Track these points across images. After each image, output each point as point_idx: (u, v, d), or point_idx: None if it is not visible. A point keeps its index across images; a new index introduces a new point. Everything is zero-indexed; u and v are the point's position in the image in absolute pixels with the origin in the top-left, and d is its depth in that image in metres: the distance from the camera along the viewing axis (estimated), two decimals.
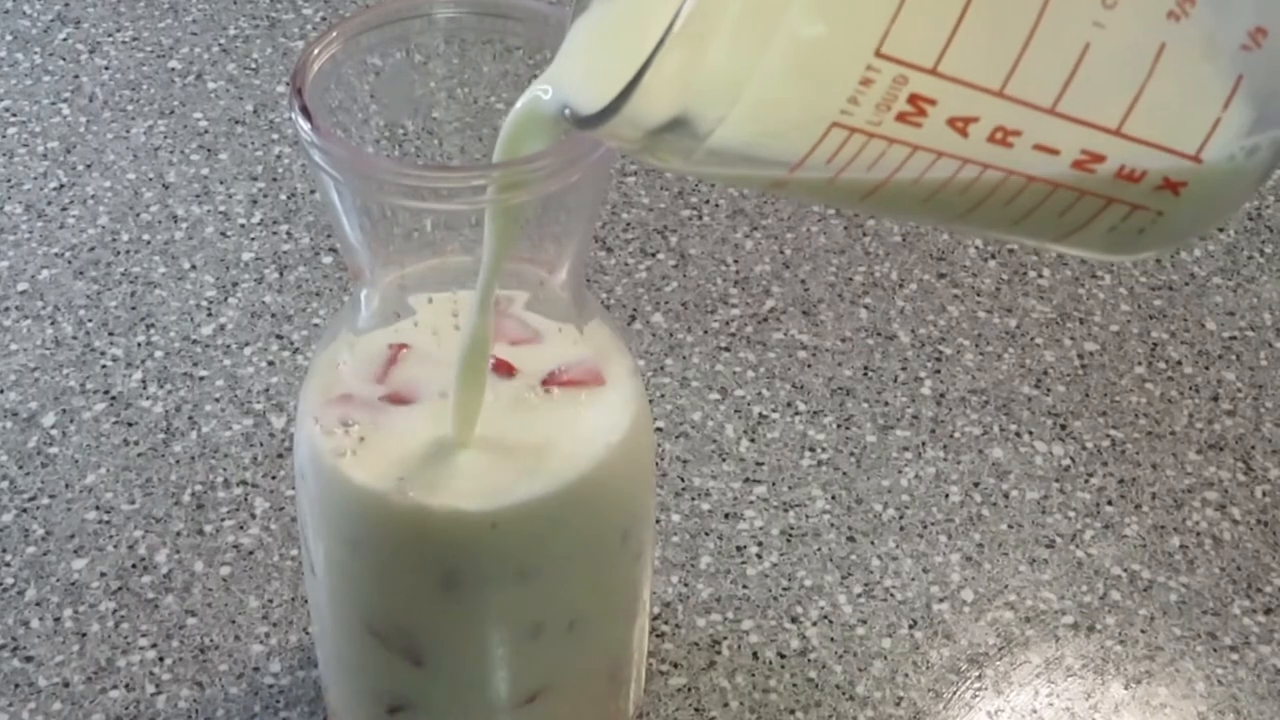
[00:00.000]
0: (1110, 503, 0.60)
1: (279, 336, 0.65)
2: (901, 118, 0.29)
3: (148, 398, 0.62)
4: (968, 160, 0.30)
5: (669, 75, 0.28)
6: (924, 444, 0.61)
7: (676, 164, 0.31)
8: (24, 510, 0.58)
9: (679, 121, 0.29)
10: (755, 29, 0.27)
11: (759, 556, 0.57)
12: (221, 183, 0.72)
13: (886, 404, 0.63)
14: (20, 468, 0.59)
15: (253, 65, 0.79)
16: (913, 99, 0.29)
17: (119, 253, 0.69)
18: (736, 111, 0.29)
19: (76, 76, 0.78)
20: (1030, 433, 0.62)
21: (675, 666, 0.54)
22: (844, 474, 0.60)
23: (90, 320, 0.66)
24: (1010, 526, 0.59)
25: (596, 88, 0.30)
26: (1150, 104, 0.30)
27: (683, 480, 0.60)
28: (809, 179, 0.31)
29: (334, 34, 0.40)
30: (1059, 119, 0.30)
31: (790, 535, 0.58)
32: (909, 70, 0.28)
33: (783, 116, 0.29)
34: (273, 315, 0.66)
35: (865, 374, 0.64)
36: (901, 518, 0.59)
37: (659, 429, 0.61)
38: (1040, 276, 0.69)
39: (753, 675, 0.53)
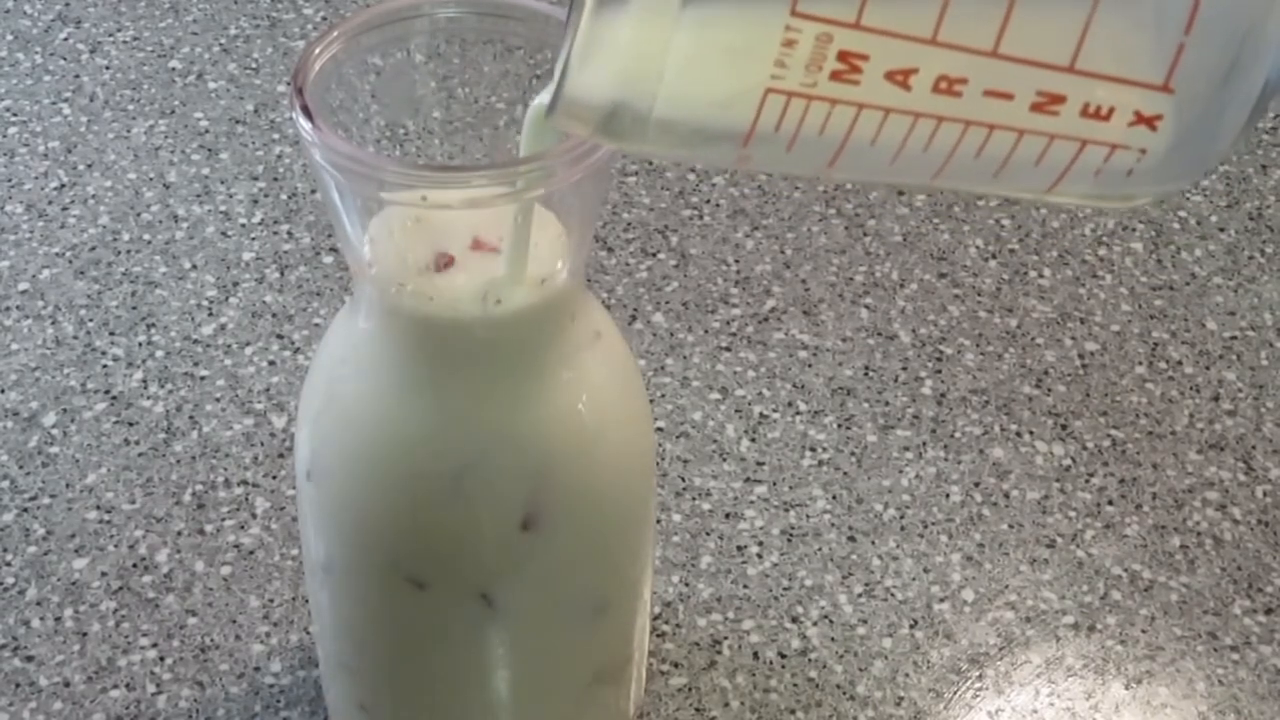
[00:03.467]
0: (1111, 503, 0.60)
1: (280, 336, 0.65)
2: (836, 76, 0.28)
3: (148, 397, 0.62)
4: (918, 114, 0.29)
5: (591, 60, 0.28)
6: (925, 444, 0.61)
7: (636, 146, 0.31)
8: (25, 510, 0.58)
9: (619, 104, 0.29)
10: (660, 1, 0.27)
11: (759, 556, 0.57)
12: (222, 182, 0.72)
13: (887, 404, 0.63)
14: (21, 467, 0.59)
15: (253, 65, 0.79)
16: (843, 56, 0.28)
17: (120, 252, 0.69)
18: (666, 87, 0.29)
19: (77, 76, 0.78)
20: (1031, 433, 0.62)
21: (676, 666, 0.54)
22: (844, 474, 0.60)
23: (91, 320, 0.66)
24: (1011, 526, 0.59)
25: (554, 84, 0.31)
26: (1101, 35, 0.28)
27: (683, 480, 0.60)
28: (768, 152, 0.30)
29: (334, 34, 0.40)
30: (1004, 61, 0.29)
31: (791, 535, 0.58)
32: (831, 27, 0.28)
33: (714, 86, 0.29)
34: (273, 315, 0.66)
35: (866, 374, 0.64)
36: (902, 518, 0.59)
37: (659, 429, 0.61)
38: (1041, 276, 0.69)
39: (753, 675, 0.53)
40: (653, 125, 0.30)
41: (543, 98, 0.34)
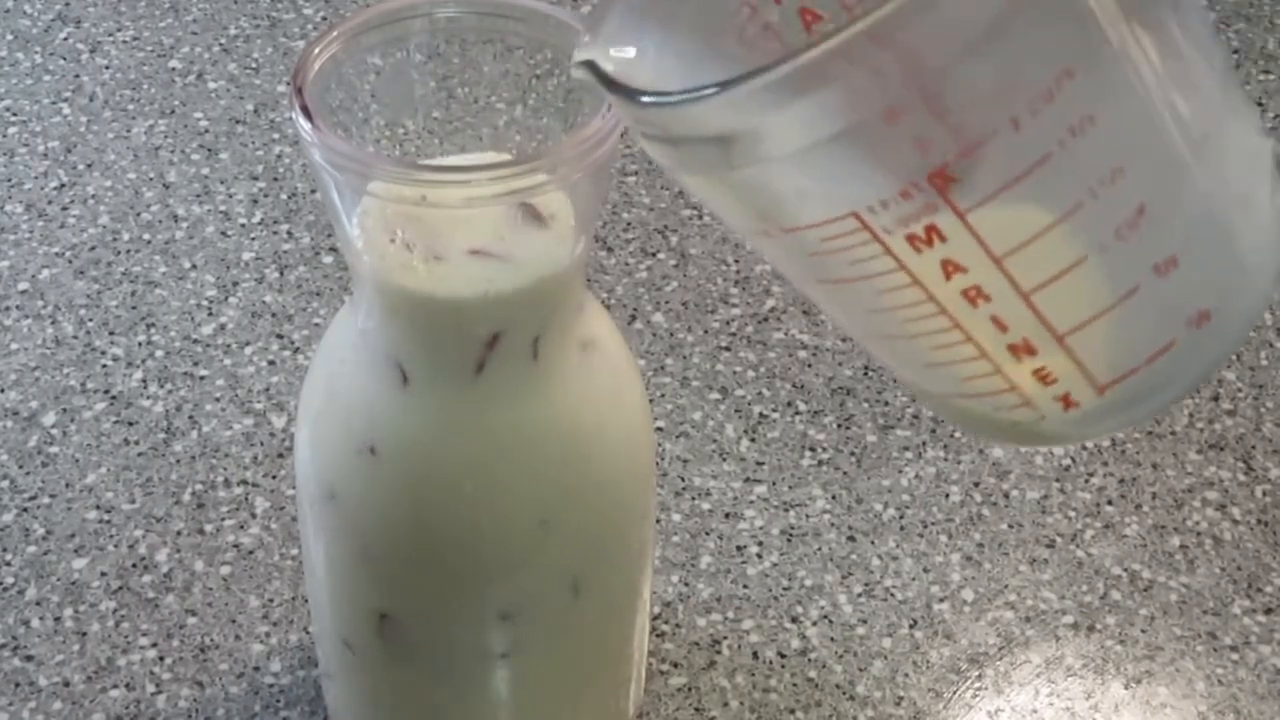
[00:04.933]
0: (1110, 502, 0.60)
1: (279, 336, 0.65)
2: (910, 239, 0.30)
3: (148, 397, 0.62)
4: (934, 299, 0.31)
5: (761, 100, 0.28)
6: (924, 444, 0.61)
7: (686, 172, 0.32)
8: (24, 510, 0.58)
9: (726, 140, 0.29)
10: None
11: (759, 556, 0.57)
12: (222, 182, 0.72)
13: (887, 404, 0.63)
14: (20, 467, 0.59)
15: (253, 65, 0.79)
16: (929, 229, 0.30)
17: (119, 252, 0.69)
18: (782, 164, 0.30)
19: (77, 76, 0.78)
20: None
21: (675, 666, 0.54)
22: (844, 474, 0.60)
23: (91, 320, 0.66)
24: (1010, 526, 0.59)
25: (679, 76, 0.31)
26: (1097, 330, 0.32)
27: (683, 480, 0.60)
28: (788, 244, 0.32)
29: (334, 33, 0.40)
30: (1024, 304, 0.31)
31: (790, 535, 0.58)
32: (944, 204, 0.29)
33: (818, 184, 0.30)
34: (273, 315, 0.66)
35: (865, 374, 0.64)
36: (902, 517, 0.59)
37: (659, 429, 0.61)
38: None
39: (753, 675, 0.53)
40: (730, 175, 0.30)
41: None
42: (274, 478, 0.59)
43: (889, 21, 0.27)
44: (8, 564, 0.56)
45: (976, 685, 0.54)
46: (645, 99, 0.30)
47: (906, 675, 0.54)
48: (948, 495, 0.60)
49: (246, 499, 0.58)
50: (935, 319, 0.32)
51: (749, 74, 0.28)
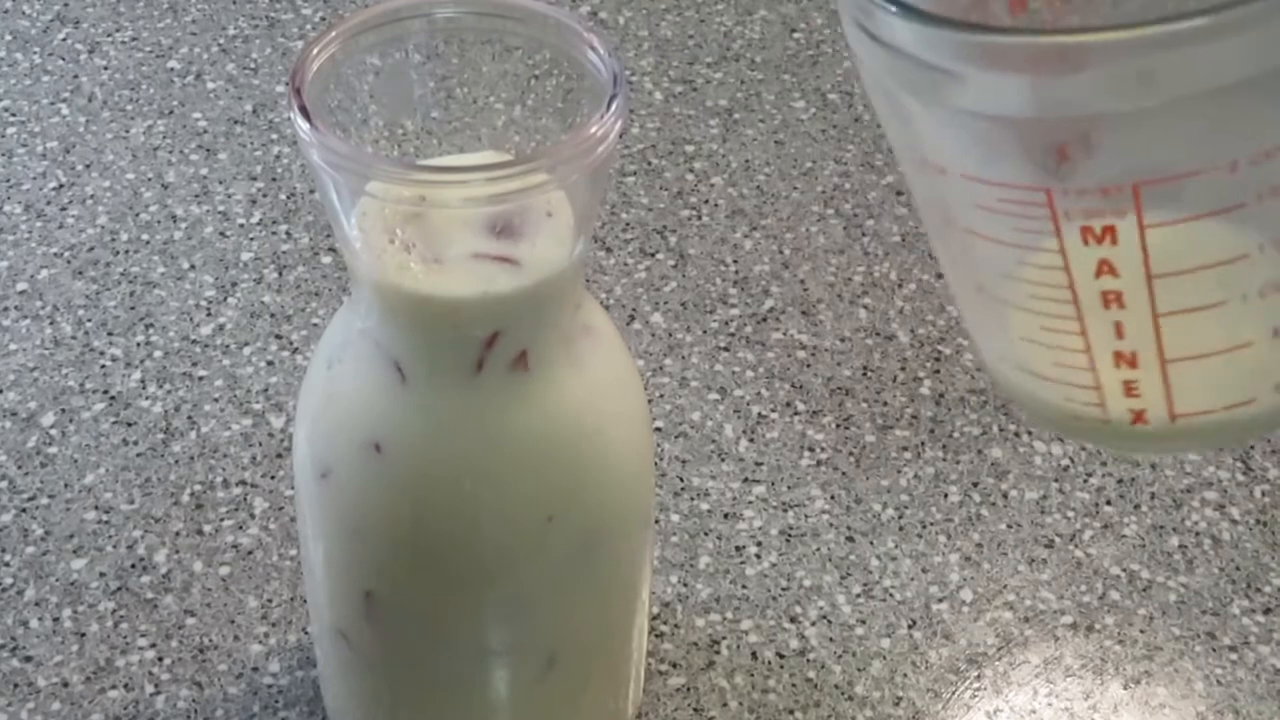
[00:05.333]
0: (1109, 502, 0.60)
1: (278, 336, 0.65)
2: (1084, 230, 0.31)
3: (147, 398, 0.62)
4: (1073, 288, 0.32)
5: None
6: (923, 444, 0.61)
7: (904, 88, 0.32)
8: (23, 510, 0.58)
9: (958, 76, 0.30)
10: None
11: (758, 556, 0.57)
12: (221, 183, 0.72)
13: (885, 404, 0.63)
14: (20, 468, 0.59)
15: (252, 65, 0.79)
16: (1107, 229, 0.31)
17: (118, 253, 0.69)
18: (1004, 121, 0.30)
19: (76, 76, 0.78)
20: (1029, 433, 0.62)
21: (674, 666, 0.54)
22: (843, 474, 0.60)
23: (89, 320, 0.66)
24: (1009, 526, 0.59)
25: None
26: (1198, 366, 0.33)
27: (682, 480, 0.60)
28: (958, 188, 0.33)
29: (333, 34, 0.40)
30: (1151, 322, 0.32)
31: (789, 535, 0.58)
32: (1133, 212, 0.30)
33: (1027, 150, 0.31)
34: (272, 315, 0.66)
35: (864, 374, 0.64)
36: (900, 518, 0.59)
37: (657, 429, 0.61)
38: None
39: (752, 675, 0.53)
40: (941, 106, 0.31)
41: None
42: (273, 478, 0.59)
43: (1170, 38, 0.28)
44: (6, 564, 0.56)
45: (975, 685, 0.54)
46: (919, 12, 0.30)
47: (905, 675, 0.54)
48: (946, 495, 0.60)
49: (245, 499, 0.58)
50: (1063, 305, 0.33)
51: (1017, 30, 0.29)
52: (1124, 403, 0.34)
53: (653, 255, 0.69)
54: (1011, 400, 0.38)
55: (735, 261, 0.69)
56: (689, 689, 0.53)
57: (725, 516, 0.58)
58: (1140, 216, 0.30)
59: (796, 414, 0.62)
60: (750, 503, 0.59)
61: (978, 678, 0.54)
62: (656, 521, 0.58)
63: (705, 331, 0.66)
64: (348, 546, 0.44)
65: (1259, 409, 0.34)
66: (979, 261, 0.35)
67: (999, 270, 0.34)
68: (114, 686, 0.53)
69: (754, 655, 0.54)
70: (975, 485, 0.60)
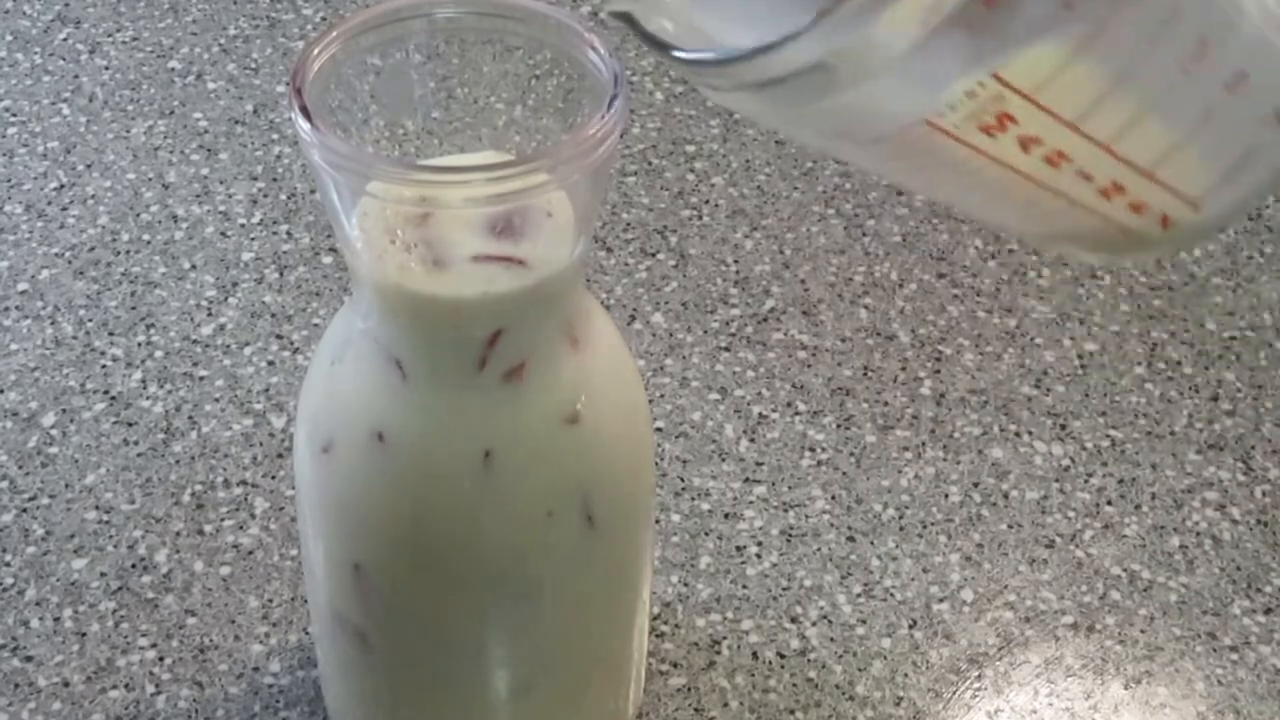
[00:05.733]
0: (1110, 503, 0.60)
1: (279, 336, 0.65)
2: (984, 129, 0.31)
3: (148, 398, 0.62)
4: (1017, 171, 0.32)
5: (836, 28, 0.29)
6: (924, 444, 0.61)
7: (757, 102, 0.32)
8: (24, 510, 0.58)
9: (818, 68, 0.30)
10: (917, 17, 0.29)
11: (759, 556, 0.57)
12: (221, 183, 0.72)
13: (886, 404, 0.63)
14: (20, 468, 0.59)
15: (253, 65, 0.79)
16: (1000, 116, 0.31)
17: (119, 253, 0.69)
18: (870, 81, 0.30)
19: (76, 76, 0.78)
20: (1030, 433, 0.62)
21: (675, 666, 0.54)
22: (844, 474, 0.60)
23: (90, 320, 0.66)
24: (1010, 526, 0.59)
25: (751, 32, 0.31)
26: (1183, 157, 0.33)
27: (682, 480, 0.60)
28: (869, 150, 0.33)
29: (334, 34, 0.40)
30: (1108, 154, 0.32)
31: (790, 535, 0.58)
32: (1011, 93, 0.31)
33: (890, 98, 0.31)
34: (273, 315, 0.66)
35: (865, 374, 0.64)
36: (901, 518, 0.59)
37: (658, 429, 0.61)
38: (1040, 276, 0.69)
39: (752, 675, 0.53)
40: (814, 105, 0.31)
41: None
42: (273, 478, 0.59)
43: None
44: (7, 564, 0.56)
45: (976, 685, 0.54)
46: (743, 53, 0.30)
47: (906, 675, 0.54)
48: (947, 495, 0.60)
49: (246, 499, 0.58)
50: (1023, 184, 0.33)
51: None
52: (1140, 220, 0.34)
53: (653, 255, 0.69)
54: (1061, 253, 0.40)
55: (736, 261, 0.69)
56: (689, 689, 0.53)
57: (726, 516, 0.58)
58: (1019, 91, 0.31)
59: (797, 414, 0.62)
60: (751, 503, 0.59)
61: (978, 678, 0.54)
62: (657, 521, 0.58)
63: (706, 331, 0.66)
64: (341, 518, 0.43)
65: (1267, 145, 0.34)
66: (931, 182, 0.36)
67: (951, 184, 0.35)
68: (115, 686, 0.53)
69: (755, 655, 0.54)
70: (976, 485, 0.60)
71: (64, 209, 0.71)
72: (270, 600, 0.55)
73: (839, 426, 0.62)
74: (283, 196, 0.72)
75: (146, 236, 0.70)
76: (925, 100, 0.31)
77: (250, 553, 0.57)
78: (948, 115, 0.31)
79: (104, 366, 0.64)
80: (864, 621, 0.55)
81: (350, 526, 0.43)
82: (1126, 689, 0.54)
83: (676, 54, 0.32)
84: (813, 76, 0.30)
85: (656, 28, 0.33)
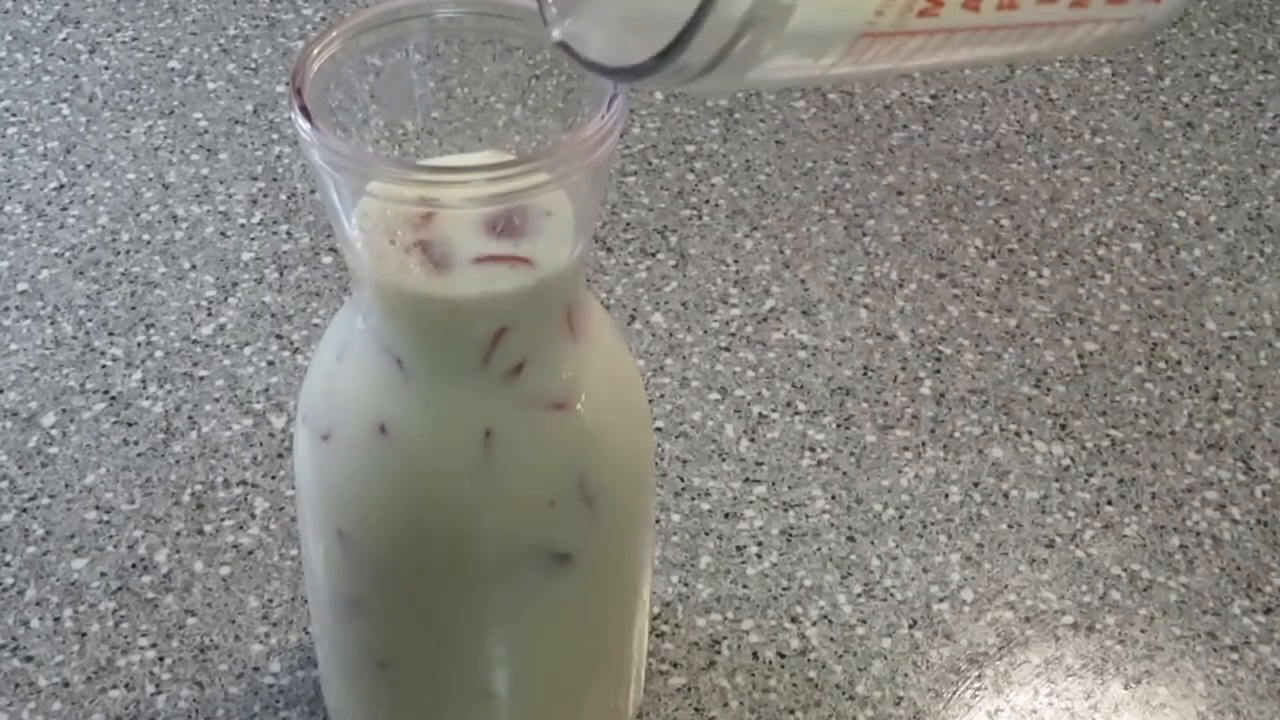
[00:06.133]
0: (1110, 503, 0.60)
1: (279, 336, 0.65)
2: (923, 14, 0.32)
3: (148, 398, 0.62)
4: (980, 28, 0.33)
5: None
6: (924, 444, 0.61)
7: (717, 81, 0.32)
8: (24, 510, 0.58)
9: (746, 26, 0.30)
10: None
11: (759, 556, 0.57)
12: (221, 183, 0.72)
13: (886, 404, 0.63)
14: (20, 468, 0.59)
15: (252, 65, 0.79)
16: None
17: (119, 253, 0.69)
18: (795, 28, 0.31)
19: (76, 76, 0.78)
20: (1030, 433, 0.62)
21: (675, 666, 0.54)
22: (844, 474, 0.60)
23: (90, 320, 0.66)
24: (1010, 526, 0.59)
25: (667, 17, 0.31)
26: None
27: (683, 480, 0.60)
28: (831, 72, 0.34)
29: (333, 34, 0.40)
30: None
31: (790, 535, 0.58)
32: None
33: (821, 36, 0.32)
34: (273, 315, 0.66)
35: (865, 374, 0.64)
36: (901, 518, 0.59)
37: (658, 429, 0.61)
38: (1040, 277, 0.69)
39: (753, 675, 0.53)
40: (770, 54, 0.31)
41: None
42: (273, 478, 0.59)
43: None
44: (7, 564, 0.56)
45: (976, 685, 0.54)
46: (666, 56, 0.30)
47: (906, 675, 0.54)
48: (947, 495, 0.60)
49: (246, 499, 0.58)
50: (1001, 33, 0.33)
51: None
52: (1126, 9, 0.35)
53: (653, 255, 0.69)
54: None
55: (736, 261, 0.69)
56: (690, 689, 0.53)
57: (726, 516, 0.58)
58: None
59: (797, 414, 0.62)
60: (751, 502, 0.59)
61: (979, 677, 0.54)
62: (657, 521, 0.58)
63: (706, 331, 0.66)
64: (336, 494, 0.43)
65: None
66: (908, 58, 0.36)
67: (926, 59, 0.35)
68: (115, 686, 0.53)
69: (755, 655, 0.54)
70: (976, 485, 0.60)
71: (64, 209, 0.71)
72: (270, 600, 0.55)
73: (839, 426, 0.62)
74: (283, 196, 0.72)
75: (146, 236, 0.70)
76: (851, 18, 0.31)
77: (250, 553, 0.57)
78: (881, 20, 0.31)
79: (104, 366, 0.64)
80: (864, 621, 0.55)
81: (352, 515, 0.43)
82: (1126, 689, 0.54)
83: (614, 69, 0.32)
84: (746, 40, 0.30)
85: (595, 53, 0.33)
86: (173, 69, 0.79)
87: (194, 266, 0.68)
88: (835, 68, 0.33)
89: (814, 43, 0.32)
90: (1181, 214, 0.73)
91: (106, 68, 0.79)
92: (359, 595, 0.45)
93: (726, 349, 0.65)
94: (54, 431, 0.61)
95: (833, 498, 0.59)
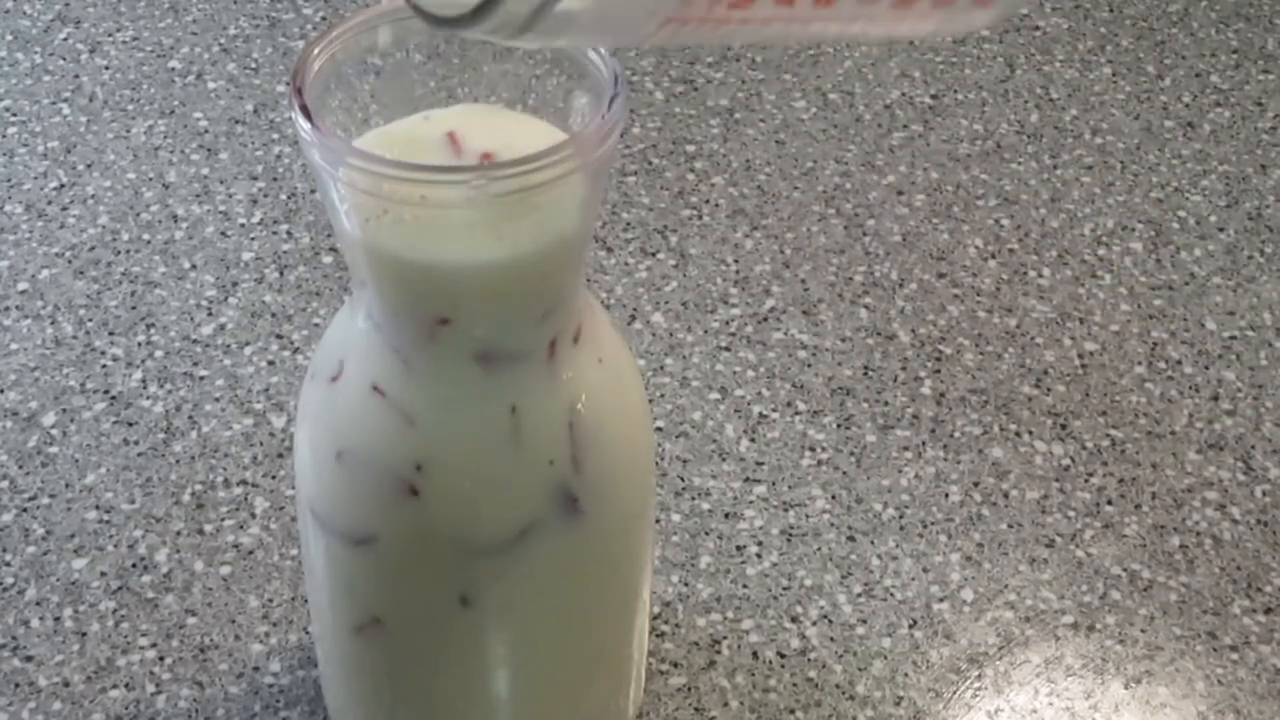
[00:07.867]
0: (1110, 502, 0.60)
1: (279, 336, 0.65)
2: (735, 4, 0.31)
3: (148, 397, 0.62)
4: (798, 20, 0.33)
5: None
6: (924, 444, 0.61)
7: (537, 40, 0.32)
8: (24, 510, 0.58)
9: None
10: None
11: (759, 556, 0.57)
12: (221, 182, 0.72)
13: (886, 404, 0.63)
14: (20, 467, 0.60)
15: (253, 65, 0.79)
16: None
17: (119, 252, 0.69)
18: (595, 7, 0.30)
19: (77, 76, 0.78)
20: (1030, 432, 0.62)
21: (675, 666, 0.54)
22: (844, 474, 0.60)
23: (90, 320, 0.66)
24: (1010, 526, 0.59)
25: None
26: None
27: (683, 480, 0.60)
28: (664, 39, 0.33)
29: (334, 34, 0.40)
30: None
31: (790, 535, 0.58)
32: None
33: (626, 17, 0.31)
34: (273, 315, 0.66)
35: (865, 374, 0.64)
36: (901, 517, 0.59)
37: (658, 429, 0.61)
38: (1040, 276, 0.69)
39: (753, 675, 0.53)
40: (577, 28, 0.31)
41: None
42: (274, 478, 0.59)
43: None
44: (7, 564, 0.56)
45: (976, 685, 0.54)
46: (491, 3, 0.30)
47: (906, 675, 0.54)
48: (947, 495, 0.60)
49: (246, 499, 0.58)
50: (827, 24, 0.33)
51: None
52: None
53: (654, 255, 0.69)
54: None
55: (736, 261, 0.69)
56: (690, 688, 0.53)
57: (726, 516, 0.58)
58: None
59: (797, 414, 0.62)
60: (751, 502, 0.59)
61: (979, 677, 0.54)
62: (657, 521, 0.58)
63: (706, 331, 0.66)
64: (335, 464, 0.43)
65: None
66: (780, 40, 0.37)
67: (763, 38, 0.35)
68: (115, 686, 0.53)
69: (755, 655, 0.54)
70: (976, 485, 0.60)
71: (64, 209, 0.71)
72: (270, 600, 0.55)
73: (839, 426, 0.62)
74: (283, 196, 0.72)
75: (146, 236, 0.70)
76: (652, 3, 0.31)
77: (250, 552, 0.57)
78: (689, 8, 0.31)
79: (104, 366, 0.64)
80: (864, 621, 0.55)
81: (359, 513, 0.43)
82: (1126, 689, 0.54)
83: (444, 18, 0.31)
84: (551, 9, 0.30)
85: (435, 5, 0.32)
86: (173, 69, 0.79)
87: (194, 266, 0.68)
88: (660, 37, 0.32)
89: (617, 20, 0.31)
90: (1182, 214, 0.73)
91: (107, 67, 0.79)
92: (360, 595, 0.45)
93: (727, 349, 0.65)
94: (54, 431, 0.61)
95: (833, 497, 0.59)
